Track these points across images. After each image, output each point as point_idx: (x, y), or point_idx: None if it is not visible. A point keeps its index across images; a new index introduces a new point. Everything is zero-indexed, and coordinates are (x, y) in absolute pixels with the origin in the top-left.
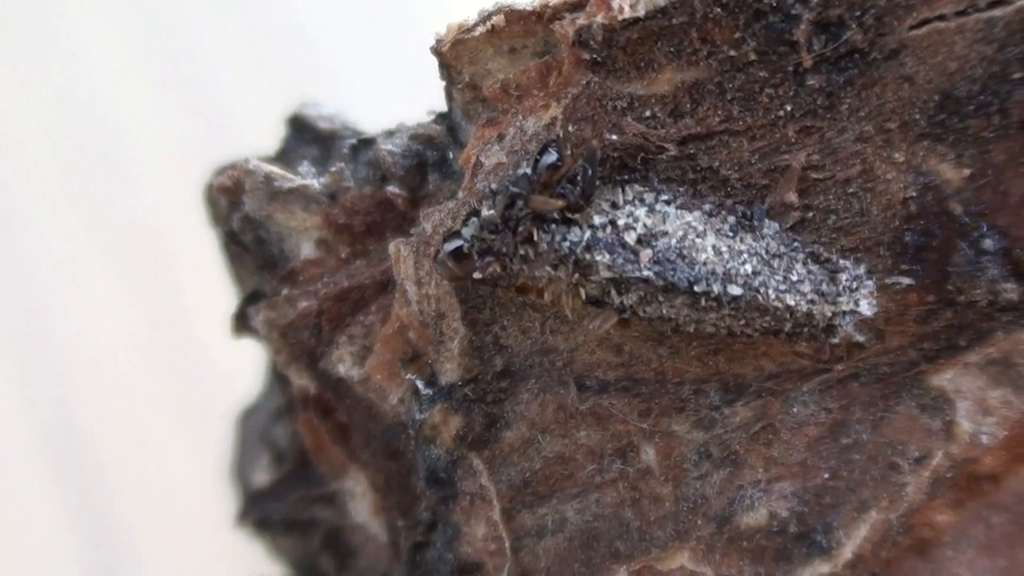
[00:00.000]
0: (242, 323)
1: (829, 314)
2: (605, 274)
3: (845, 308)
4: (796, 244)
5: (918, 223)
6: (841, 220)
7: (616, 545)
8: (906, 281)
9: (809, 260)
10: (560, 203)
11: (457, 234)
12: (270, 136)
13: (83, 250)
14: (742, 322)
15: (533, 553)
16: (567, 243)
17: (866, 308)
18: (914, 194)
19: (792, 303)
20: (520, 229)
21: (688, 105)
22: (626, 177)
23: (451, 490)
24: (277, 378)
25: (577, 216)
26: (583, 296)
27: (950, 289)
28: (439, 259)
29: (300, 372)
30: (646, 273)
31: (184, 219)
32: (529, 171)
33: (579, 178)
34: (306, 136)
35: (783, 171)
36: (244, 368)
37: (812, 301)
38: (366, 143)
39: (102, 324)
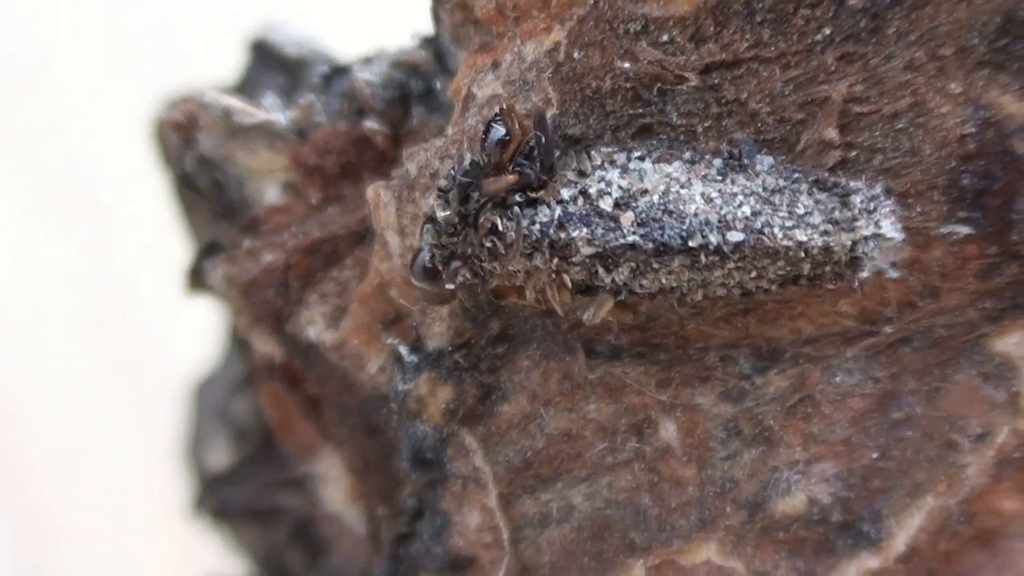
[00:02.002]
0: (197, 279)
1: (849, 243)
2: (586, 250)
3: (866, 232)
4: (797, 175)
5: (977, 164)
6: (889, 160)
7: (631, 536)
8: (964, 230)
9: (815, 189)
10: (512, 177)
11: (421, 249)
12: (229, 64)
13: (5, 196)
14: (753, 274)
15: (535, 545)
16: (537, 226)
17: (890, 229)
18: (972, 130)
19: (804, 238)
20: (481, 221)
21: (711, 28)
22: (590, 139)
23: (440, 473)
24: (237, 344)
25: (542, 194)
26: (569, 285)
27: (1015, 239)
28: (417, 288)
29: (264, 336)
30: (631, 238)
31: (127, 159)
32: (477, 156)
33: (535, 150)
34: (271, 63)
35: (821, 104)
36: (198, 332)
37: (826, 232)
38: (340, 72)
39: (28, 282)
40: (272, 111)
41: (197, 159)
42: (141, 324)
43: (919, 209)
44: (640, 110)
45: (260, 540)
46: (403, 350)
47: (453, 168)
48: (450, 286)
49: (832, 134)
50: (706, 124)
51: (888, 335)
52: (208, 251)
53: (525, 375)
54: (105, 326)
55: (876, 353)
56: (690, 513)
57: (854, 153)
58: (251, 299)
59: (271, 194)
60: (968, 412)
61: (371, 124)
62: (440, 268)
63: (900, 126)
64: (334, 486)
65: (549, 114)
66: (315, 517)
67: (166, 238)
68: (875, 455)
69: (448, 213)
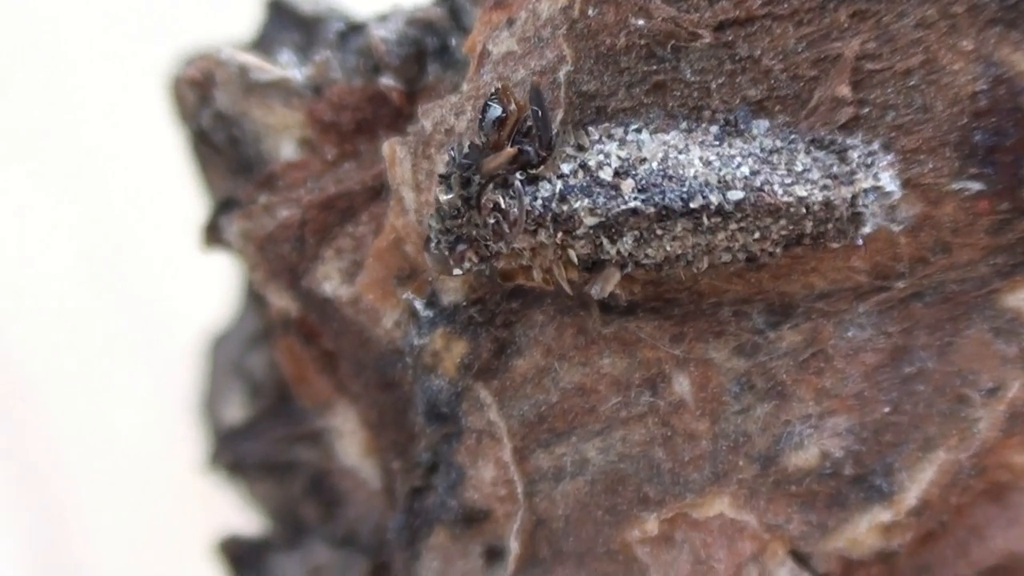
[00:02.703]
0: (213, 235)
1: (849, 196)
2: (589, 220)
3: (865, 185)
4: (794, 136)
5: (989, 121)
6: (901, 117)
7: (645, 489)
8: (975, 187)
9: (812, 147)
10: (511, 150)
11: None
12: (246, 20)
13: (14, 155)
14: (756, 235)
15: (549, 499)
16: (539, 201)
17: (888, 183)
18: (984, 87)
19: (804, 193)
20: (483, 201)
21: None
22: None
23: (455, 427)
24: (253, 299)
25: (542, 170)
26: (575, 260)
27: None
28: (433, 265)
29: (280, 291)
30: (633, 204)
31: (143, 115)
32: (475, 139)
33: (532, 127)
34: (287, 20)
35: (834, 61)
36: (213, 288)
37: (826, 187)
38: (356, 29)
39: (40, 241)
40: (288, 68)
41: (213, 115)
42: (155, 280)
43: (931, 165)
44: (654, 67)
45: (275, 494)
46: (418, 305)
47: (452, 152)
48: (458, 272)
49: (845, 91)
50: (719, 81)
51: (900, 290)
52: (224, 207)
53: (540, 330)
54: (119, 283)
55: (888, 308)
56: (703, 467)
57: (866, 110)
58: (267, 254)
59: (287, 150)
60: (979, 367)
61: (386, 81)
62: (447, 253)
63: (912, 83)
64: (349, 440)
65: (564, 71)
66: (331, 471)
67: (179, 195)
68: (887, 409)
69: (451, 197)
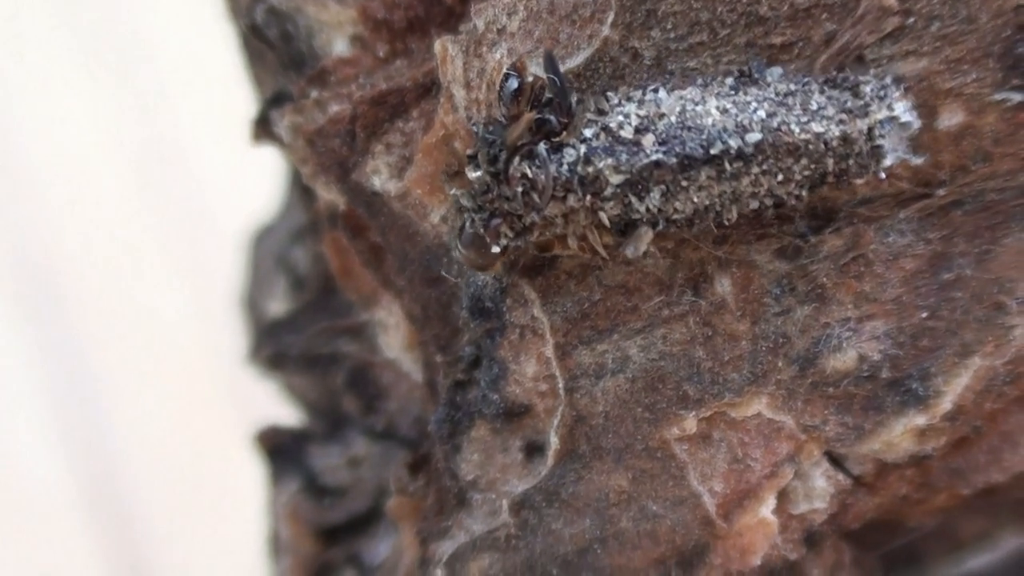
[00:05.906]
0: (263, 129)
1: (865, 129)
2: (615, 179)
3: (880, 116)
4: (807, 79)
5: None
6: (946, 27)
7: (685, 388)
8: (1017, 98)
9: (826, 87)
10: (531, 115)
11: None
12: None
13: (66, 47)
14: (780, 177)
15: (590, 395)
16: (565, 167)
17: (903, 111)
18: None
19: (821, 129)
20: (511, 173)
21: None
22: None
23: (498, 322)
24: (300, 193)
25: (564, 136)
26: (607, 224)
27: None
28: (462, 255)
29: (329, 185)
30: (655, 156)
31: (195, 8)
32: (498, 115)
33: (551, 96)
34: None
35: None
36: (259, 181)
37: (842, 121)
38: None
39: (86, 134)
40: None
41: (267, 11)
42: (202, 173)
43: (974, 76)
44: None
45: (315, 386)
46: (466, 201)
47: (476, 129)
48: (496, 248)
49: (891, 0)
50: (668, 76)
51: (940, 198)
52: (275, 101)
53: None
54: (165, 174)
55: (928, 215)
56: (742, 367)
57: (912, 19)
58: (316, 148)
59: (339, 46)
60: (1017, 275)
61: None
62: (483, 231)
63: None
64: (393, 334)
65: None
66: (372, 364)
67: (229, 88)
68: (925, 315)
69: (479, 174)
